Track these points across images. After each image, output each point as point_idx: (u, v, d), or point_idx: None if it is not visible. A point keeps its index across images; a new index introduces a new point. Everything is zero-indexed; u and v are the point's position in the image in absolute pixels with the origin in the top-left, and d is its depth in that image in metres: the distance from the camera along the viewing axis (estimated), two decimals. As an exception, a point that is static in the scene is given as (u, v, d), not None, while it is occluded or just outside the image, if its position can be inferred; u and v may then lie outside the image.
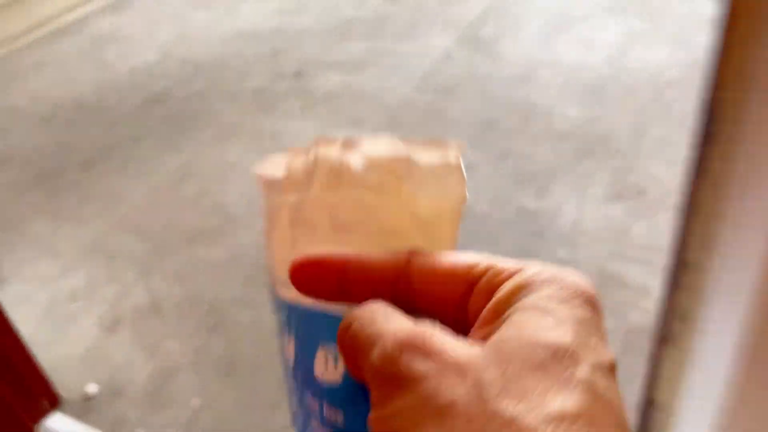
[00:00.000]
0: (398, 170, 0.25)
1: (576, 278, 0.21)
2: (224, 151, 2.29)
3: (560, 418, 0.17)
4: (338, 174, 0.26)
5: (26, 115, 2.61)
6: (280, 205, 0.29)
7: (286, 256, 0.27)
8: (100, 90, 2.72)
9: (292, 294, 0.27)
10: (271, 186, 0.30)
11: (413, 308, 0.23)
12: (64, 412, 1.53)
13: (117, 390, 1.56)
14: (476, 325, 0.22)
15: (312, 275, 0.25)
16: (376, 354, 0.20)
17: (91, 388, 1.57)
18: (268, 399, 1.49)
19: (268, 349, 1.60)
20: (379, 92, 2.51)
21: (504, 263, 0.22)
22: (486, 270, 0.22)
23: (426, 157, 0.25)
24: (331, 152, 0.26)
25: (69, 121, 2.54)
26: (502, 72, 2.53)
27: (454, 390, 0.18)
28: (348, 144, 0.26)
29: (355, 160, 0.26)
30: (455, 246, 0.26)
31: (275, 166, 0.29)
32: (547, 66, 2.52)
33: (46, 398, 1.51)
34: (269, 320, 1.57)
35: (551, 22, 2.85)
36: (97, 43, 3.10)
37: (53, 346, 1.67)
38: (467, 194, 0.25)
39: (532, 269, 0.21)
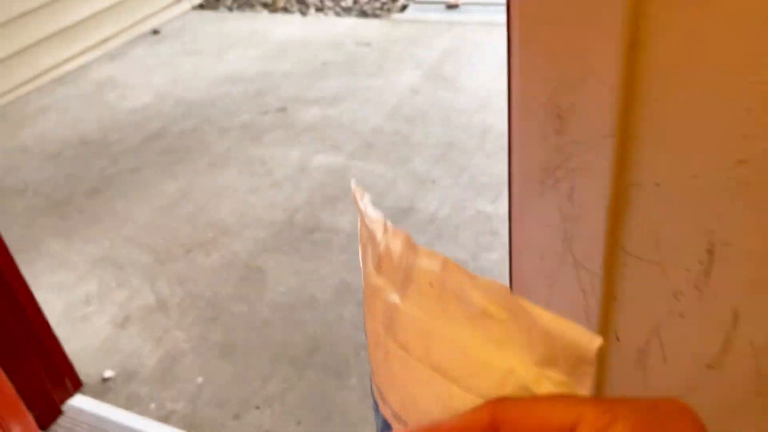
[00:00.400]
0: (518, 331, 0.22)
1: (674, 417, 0.20)
2: (217, 176, 2.57)
3: None
4: (443, 298, 0.24)
5: (36, 152, 2.88)
6: (369, 264, 0.28)
7: (381, 367, 0.27)
8: (102, 129, 3.01)
9: (387, 412, 0.27)
10: (365, 226, 0.29)
11: None
12: (85, 394, 1.76)
13: (130, 373, 1.79)
14: None
15: None
16: None
17: (108, 373, 1.80)
18: (260, 373, 1.74)
19: (259, 334, 1.85)
20: (354, 122, 2.83)
21: (596, 407, 0.20)
22: (578, 418, 0.20)
23: (554, 326, 0.21)
24: (432, 266, 0.24)
25: (75, 156, 2.82)
26: (461, 101, 2.86)
27: None
28: (453, 267, 0.24)
29: (469, 294, 0.23)
30: None
31: (373, 212, 0.28)
32: (501, 95, 2.86)
33: (70, 380, 1.75)
34: (260, 311, 1.86)
35: (504, 58, 3.20)
36: (98, 89, 3.41)
37: (72, 341, 1.90)
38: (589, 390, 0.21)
39: (624, 416, 0.20)
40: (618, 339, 0.68)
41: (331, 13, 4.08)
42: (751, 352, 0.64)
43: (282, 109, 3.01)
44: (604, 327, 0.67)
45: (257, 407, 1.65)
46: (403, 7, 4.01)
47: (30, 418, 1.62)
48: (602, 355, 0.70)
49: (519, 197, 0.62)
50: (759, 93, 0.49)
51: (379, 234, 0.27)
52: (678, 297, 0.64)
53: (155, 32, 4.04)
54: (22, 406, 1.60)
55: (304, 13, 4.14)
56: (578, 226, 0.63)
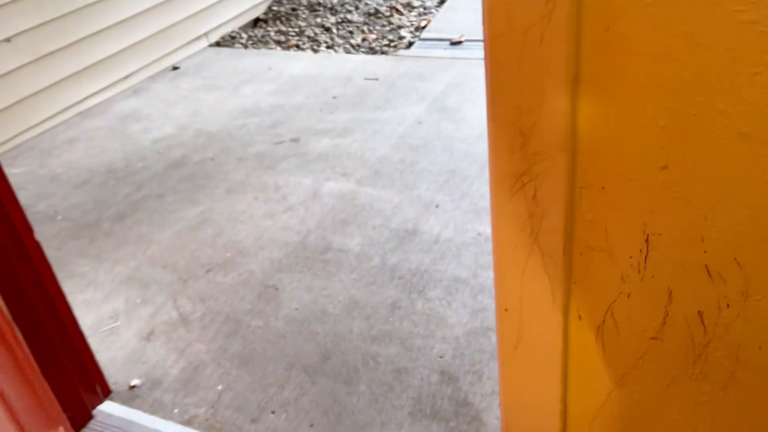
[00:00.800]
0: None
1: None
2: (235, 202, 2.74)
3: None
4: None
5: (64, 180, 3.07)
6: None
7: None
8: (127, 158, 3.20)
9: None
10: None
11: None
12: (114, 400, 1.90)
13: (155, 382, 1.94)
14: None
15: None
16: None
17: (135, 381, 1.95)
18: (276, 381, 1.87)
19: (275, 345, 2.00)
20: (363, 151, 3.01)
21: None
22: None
23: None
24: None
25: (101, 184, 3.01)
26: (463, 132, 3.04)
27: None
28: None
29: None
30: None
31: None
32: (501, 125, 3.03)
33: (101, 387, 1.89)
34: (275, 325, 2.03)
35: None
36: (122, 121, 3.62)
37: (101, 352, 2.05)
38: None
39: None
40: (580, 318, 0.83)
41: (341, 50, 4.31)
42: (685, 324, 0.79)
43: (295, 140, 3.19)
44: (568, 307, 0.81)
45: (273, 412, 1.79)
46: (410, 44, 4.23)
47: (66, 420, 1.76)
48: (567, 331, 0.84)
49: (495, 200, 0.77)
50: (669, 114, 0.65)
51: None
52: (624, 279, 0.78)
53: (175, 68, 4.27)
54: (60, 410, 1.74)
55: (315, 50, 4.37)
56: (542, 222, 0.78)
